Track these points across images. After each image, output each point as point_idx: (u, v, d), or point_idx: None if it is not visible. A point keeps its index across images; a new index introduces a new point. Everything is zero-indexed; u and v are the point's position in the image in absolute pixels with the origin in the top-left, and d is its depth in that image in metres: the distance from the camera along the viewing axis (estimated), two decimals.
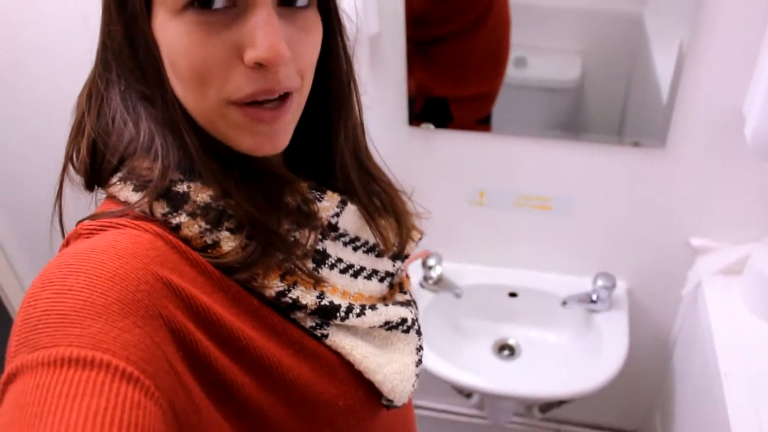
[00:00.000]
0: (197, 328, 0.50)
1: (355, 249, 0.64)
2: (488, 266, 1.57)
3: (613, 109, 1.29)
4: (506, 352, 1.53)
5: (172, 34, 0.50)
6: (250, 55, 0.49)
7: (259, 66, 0.50)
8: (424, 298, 1.50)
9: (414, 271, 1.54)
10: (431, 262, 1.50)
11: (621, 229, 1.41)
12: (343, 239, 0.63)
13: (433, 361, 1.36)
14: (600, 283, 1.41)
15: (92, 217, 0.54)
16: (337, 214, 0.62)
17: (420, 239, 0.73)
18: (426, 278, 1.52)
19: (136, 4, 0.50)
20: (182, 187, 0.54)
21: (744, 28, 1.12)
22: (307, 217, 0.59)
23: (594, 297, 1.43)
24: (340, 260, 0.62)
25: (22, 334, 0.43)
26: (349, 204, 0.63)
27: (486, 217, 1.49)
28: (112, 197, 0.56)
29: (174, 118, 0.53)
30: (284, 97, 0.54)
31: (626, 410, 1.76)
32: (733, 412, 1.09)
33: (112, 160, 0.55)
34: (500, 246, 1.53)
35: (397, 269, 0.70)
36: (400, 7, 1.26)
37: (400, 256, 0.70)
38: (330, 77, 0.62)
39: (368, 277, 0.65)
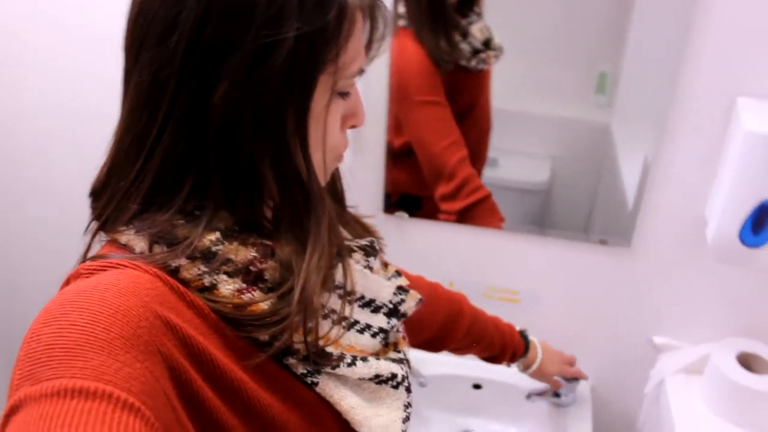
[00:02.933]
0: (192, 367, 0.52)
1: (350, 303, 0.65)
2: (453, 357, 1.56)
3: (580, 210, 1.34)
4: None
5: (320, 106, 0.58)
6: (355, 122, 0.65)
7: (350, 128, 0.64)
8: None
9: None
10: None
11: (586, 325, 1.44)
12: (338, 291, 0.64)
13: None
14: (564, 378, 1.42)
15: (93, 259, 0.56)
16: (344, 272, 0.64)
17: (420, 300, 0.74)
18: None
19: (306, 93, 0.56)
20: (182, 232, 0.56)
21: (705, 138, 1.19)
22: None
23: (558, 392, 1.43)
24: (333, 311, 0.63)
25: (26, 367, 0.44)
26: (344, 257, 0.65)
27: None
28: (113, 241, 0.58)
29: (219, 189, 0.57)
30: None
31: None
32: None
33: (130, 208, 0.57)
34: None
35: (392, 327, 0.70)
36: (383, 88, 1.30)
37: (396, 313, 0.70)
38: None
39: (361, 331, 0.66)
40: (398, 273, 0.76)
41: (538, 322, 1.46)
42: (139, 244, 0.56)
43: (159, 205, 0.56)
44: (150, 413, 0.44)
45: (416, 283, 1.01)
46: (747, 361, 1.29)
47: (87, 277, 0.52)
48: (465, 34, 1.24)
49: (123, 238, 0.57)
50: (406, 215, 1.42)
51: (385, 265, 0.77)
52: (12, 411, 0.42)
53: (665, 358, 1.41)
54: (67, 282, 0.54)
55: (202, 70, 0.53)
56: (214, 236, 0.56)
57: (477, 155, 1.35)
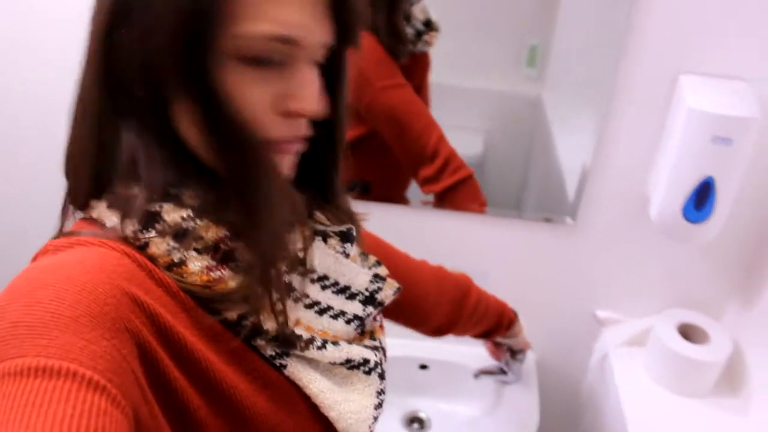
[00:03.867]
0: (160, 346, 0.51)
1: (324, 288, 0.65)
2: (399, 338, 1.54)
3: (513, 184, 1.34)
4: (416, 426, 1.51)
5: (225, 77, 0.52)
6: (296, 107, 0.55)
7: (293, 114, 0.56)
8: None
9: None
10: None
11: (532, 302, 1.44)
12: (311, 275, 0.63)
13: None
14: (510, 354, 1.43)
15: (62, 236, 0.55)
16: (304, 249, 0.62)
17: (397, 291, 0.72)
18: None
19: (207, 41, 0.51)
20: (154, 207, 0.55)
21: (645, 115, 1.20)
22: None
23: (504, 369, 1.44)
24: (306, 296, 0.62)
25: None
26: (317, 240, 0.64)
27: None
28: (86, 218, 0.58)
29: (172, 152, 0.55)
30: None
31: None
32: None
33: (97, 185, 0.57)
34: None
35: (368, 314, 0.69)
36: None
37: (372, 301, 0.70)
38: (336, 125, 0.66)
39: (334, 317, 0.66)
40: (378, 263, 0.75)
41: None
42: (110, 218, 0.55)
43: (131, 179, 0.55)
44: (116, 391, 0.44)
45: (421, 267, 1.02)
46: (687, 332, 1.32)
47: (54, 254, 0.52)
48: (408, 18, 1.21)
49: (94, 213, 0.56)
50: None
51: (366, 254, 0.75)
52: None
53: (609, 331, 1.44)
54: (35, 259, 0.53)
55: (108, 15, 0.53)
56: (186, 213, 0.55)
57: None
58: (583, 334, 1.46)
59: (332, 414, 0.62)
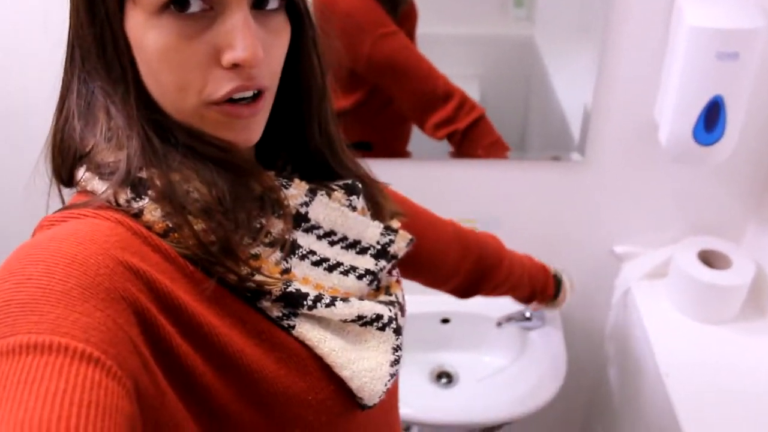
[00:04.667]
0: (160, 312, 0.50)
1: (332, 243, 0.63)
2: (417, 294, 1.53)
3: (514, 127, 1.31)
4: (444, 380, 1.50)
5: (149, 36, 0.51)
6: (229, 57, 0.52)
7: (236, 67, 0.52)
8: None
9: None
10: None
11: (547, 244, 1.42)
12: (316, 232, 0.61)
13: None
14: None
15: (57, 210, 0.55)
16: (306, 204, 0.61)
17: (410, 242, 0.70)
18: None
19: (108, 5, 0.51)
20: (143, 174, 0.54)
21: (646, 38, 1.16)
22: (273, 204, 0.59)
23: (528, 314, 1.42)
24: (312, 252, 0.61)
25: None
26: (319, 194, 0.62)
27: None
28: (81, 191, 0.57)
29: (138, 114, 0.54)
30: (257, 95, 0.56)
31: (566, 425, 1.76)
32: (681, 410, 1.10)
33: (75, 156, 0.56)
34: None
35: (381, 268, 0.67)
36: None
37: (385, 255, 0.67)
38: (303, 76, 0.63)
39: (345, 273, 0.64)
40: (397, 213, 0.73)
41: None
42: (103, 189, 0.54)
43: (116, 147, 0.55)
44: (111, 362, 0.43)
45: (443, 224, 1.01)
46: (708, 259, 1.30)
47: (48, 228, 0.51)
48: None
49: (87, 185, 0.55)
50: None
51: (381, 208, 0.72)
52: None
53: (628, 266, 1.42)
54: (33, 235, 0.53)
55: None
56: (178, 176, 0.54)
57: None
58: (603, 271, 1.44)
59: (345, 373, 0.60)
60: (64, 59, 0.57)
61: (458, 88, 1.27)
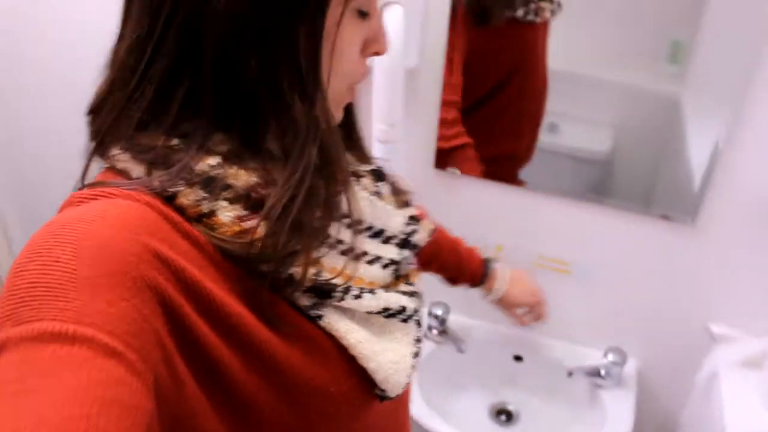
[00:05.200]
0: (187, 302, 0.49)
1: (358, 232, 0.62)
2: (496, 324, 1.51)
3: (641, 183, 1.26)
4: (503, 417, 1.46)
5: (344, 30, 0.55)
6: (376, 49, 0.60)
7: (375, 56, 0.61)
8: (425, 347, 1.44)
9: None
10: (438, 311, 1.45)
11: (638, 304, 1.36)
12: (345, 220, 0.60)
13: (425, 414, 1.30)
14: (610, 357, 1.35)
15: (87, 186, 0.52)
16: (336, 194, 0.60)
17: (433, 231, 0.71)
18: (430, 327, 1.46)
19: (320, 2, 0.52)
20: (180, 156, 0.52)
21: None
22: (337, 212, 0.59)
23: (602, 372, 1.36)
24: (340, 242, 0.59)
25: (8, 306, 0.42)
26: (349, 186, 0.61)
27: None
28: (110, 168, 0.54)
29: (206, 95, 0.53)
30: None
31: None
32: None
33: (123, 126, 0.53)
34: None
35: (404, 258, 0.67)
36: (442, 43, 1.24)
37: (408, 244, 0.67)
38: None
39: (370, 263, 0.63)
40: (411, 203, 0.72)
41: (588, 297, 1.39)
42: (136, 169, 0.53)
43: (156, 125, 0.53)
44: (135, 356, 0.42)
45: None
46: None
47: (77, 206, 0.49)
48: None
49: (119, 164, 0.53)
50: (458, 172, 1.35)
51: (399, 195, 0.72)
52: None
53: (722, 348, 1.32)
54: (60, 211, 0.51)
55: None
56: (214, 160, 0.52)
57: (532, 117, 1.28)
58: (693, 347, 1.35)
59: (371, 365, 0.60)
60: (146, 29, 0.52)
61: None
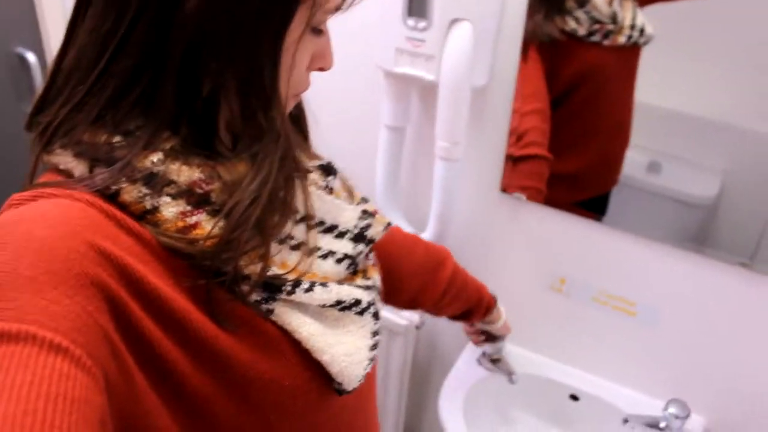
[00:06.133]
0: (131, 298, 0.49)
1: (309, 228, 0.61)
2: (551, 359, 1.44)
3: (748, 231, 1.15)
4: None
5: (298, 46, 0.56)
6: (322, 63, 0.61)
7: (318, 70, 0.61)
8: (475, 374, 1.40)
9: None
10: (485, 344, 1.40)
11: (707, 357, 1.25)
12: (295, 216, 0.60)
13: None
14: (672, 410, 1.25)
15: (27, 188, 0.52)
16: (287, 190, 0.59)
17: (387, 227, 0.71)
18: (485, 354, 1.41)
19: (285, 19, 0.53)
20: (122, 153, 0.51)
21: None
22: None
23: (662, 424, 1.26)
24: (290, 237, 0.59)
25: None
26: (296, 180, 0.60)
27: (562, 306, 1.37)
28: (53, 169, 0.54)
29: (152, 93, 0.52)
30: None
31: None
32: None
33: (77, 125, 0.52)
34: (570, 341, 1.41)
35: (359, 252, 0.67)
36: (514, 63, 1.19)
37: (363, 238, 0.67)
38: None
39: (323, 257, 0.63)
40: (365, 200, 0.71)
41: (652, 341, 1.30)
42: (78, 167, 0.52)
43: (103, 122, 0.52)
44: (80, 351, 0.42)
45: (396, 229, 0.96)
46: None
47: (16, 208, 0.49)
48: (583, 3, 1.11)
49: (61, 164, 0.53)
50: (523, 197, 1.30)
51: (351, 192, 0.71)
52: None
53: None
54: (0, 213, 0.51)
55: None
56: (156, 157, 0.52)
57: (598, 142, 1.23)
58: (765, 413, 1.23)
59: (325, 358, 0.60)
60: (106, 26, 0.51)
61: None
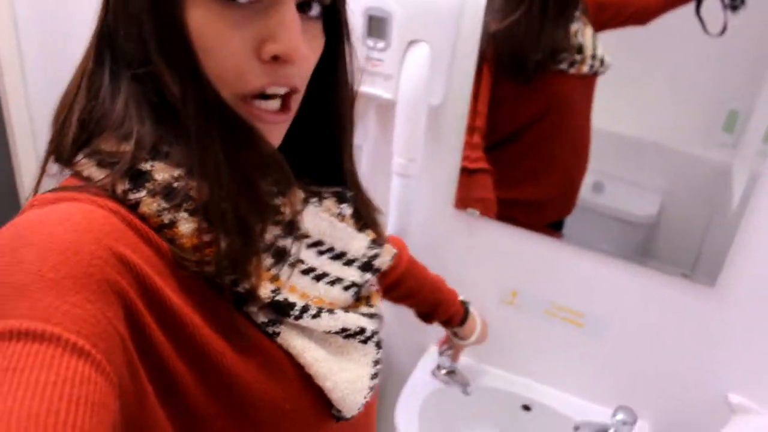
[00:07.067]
0: (147, 309, 0.49)
1: (320, 253, 0.62)
2: (504, 371, 1.48)
3: (686, 251, 1.21)
4: None
5: (197, 16, 0.51)
6: (270, 48, 0.52)
7: (274, 60, 0.53)
8: (430, 386, 1.42)
9: (429, 358, 1.47)
10: (448, 351, 1.43)
11: (652, 365, 1.31)
12: (306, 240, 0.61)
13: None
14: (619, 417, 1.29)
15: (50, 191, 0.53)
16: (298, 212, 0.60)
17: (393, 257, 0.72)
18: (439, 367, 1.44)
19: None
20: (146, 166, 0.52)
21: None
22: (274, 210, 0.58)
23: (611, 431, 1.31)
24: (301, 261, 0.60)
25: None
26: (311, 203, 0.62)
27: (513, 319, 1.41)
28: (75, 174, 0.55)
29: (159, 103, 0.53)
30: (286, 97, 0.57)
31: None
32: None
33: (81, 137, 0.55)
34: (522, 353, 1.45)
35: (366, 281, 0.67)
36: (468, 85, 1.23)
37: (370, 267, 0.68)
38: (336, 89, 0.65)
39: (331, 284, 0.63)
40: (372, 225, 0.72)
41: (600, 351, 1.35)
42: (100, 176, 0.53)
43: (122, 136, 0.53)
44: (101, 357, 0.42)
45: None
46: None
47: (39, 209, 0.49)
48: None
49: (84, 170, 0.54)
50: (477, 213, 1.34)
51: (373, 218, 0.73)
52: None
53: (740, 420, 1.26)
54: (22, 213, 0.51)
55: None
56: (177, 172, 0.53)
57: (560, 168, 1.27)
58: (708, 415, 1.28)
59: (327, 384, 0.60)
60: (97, 31, 0.56)
61: None
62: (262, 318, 0.57)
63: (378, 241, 0.69)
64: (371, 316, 0.67)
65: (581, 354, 1.38)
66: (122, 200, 0.52)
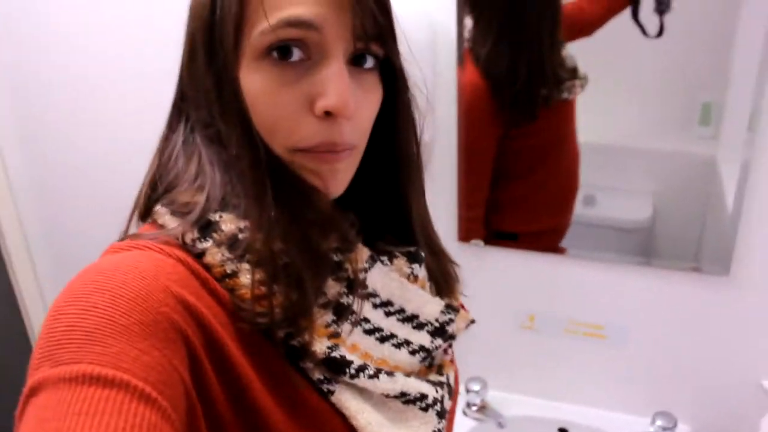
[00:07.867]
0: (207, 357, 0.50)
1: (388, 314, 0.61)
2: (536, 397, 1.46)
3: (687, 244, 1.22)
4: None
5: (252, 79, 0.54)
6: (321, 104, 0.53)
7: (327, 116, 0.54)
8: (465, 425, 1.39)
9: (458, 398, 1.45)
10: (475, 387, 1.41)
11: (680, 364, 1.30)
12: (372, 300, 0.60)
13: None
14: (659, 423, 1.28)
15: (126, 238, 0.55)
16: (365, 270, 0.59)
17: (469, 324, 0.68)
18: (469, 404, 1.42)
19: (228, 52, 0.53)
20: (215, 217, 0.54)
21: None
22: (335, 267, 0.57)
23: None
24: (366, 320, 0.59)
25: (46, 348, 0.43)
26: (380, 261, 0.61)
27: (535, 342, 1.41)
28: (152, 222, 0.58)
29: (230, 160, 0.56)
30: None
31: None
32: None
33: (153, 195, 0.58)
34: (550, 376, 1.43)
35: (436, 346, 0.65)
36: (453, 116, 1.25)
37: (442, 333, 0.65)
38: (397, 140, 0.64)
39: (397, 346, 0.61)
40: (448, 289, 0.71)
41: (627, 360, 1.35)
42: (172, 225, 0.55)
43: (196, 188, 0.56)
44: (167, 404, 0.43)
45: None
46: None
47: (113, 255, 0.52)
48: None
49: (159, 219, 0.56)
50: (482, 243, 1.34)
51: (448, 281, 0.71)
52: (31, 392, 0.42)
53: None
54: (99, 259, 0.54)
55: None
56: (243, 224, 0.54)
57: (570, 188, 1.28)
58: (748, 406, 1.27)
59: None
60: (172, 103, 0.61)
61: None
62: (317, 375, 0.56)
63: (453, 307, 0.67)
64: (438, 384, 0.65)
65: (609, 366, 1.37)
66: (190, 249, 0.54)
